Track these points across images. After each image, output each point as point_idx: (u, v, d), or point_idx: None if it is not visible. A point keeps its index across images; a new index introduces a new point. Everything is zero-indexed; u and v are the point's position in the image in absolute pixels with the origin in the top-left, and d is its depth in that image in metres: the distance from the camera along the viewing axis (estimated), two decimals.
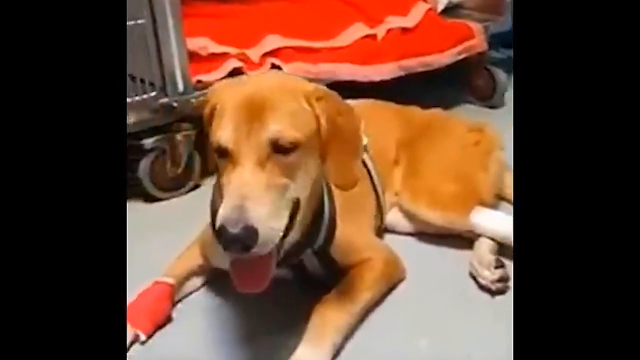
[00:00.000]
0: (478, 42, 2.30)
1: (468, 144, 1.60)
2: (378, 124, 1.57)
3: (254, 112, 1.03)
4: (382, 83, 2.05)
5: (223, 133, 1.03)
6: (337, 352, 1.15)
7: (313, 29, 2.13)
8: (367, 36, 2.17)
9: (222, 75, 1.88)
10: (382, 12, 2.28)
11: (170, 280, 1.30)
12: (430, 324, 1.24)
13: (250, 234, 0.95)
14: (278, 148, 1.02)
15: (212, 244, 1.29)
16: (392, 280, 1.34)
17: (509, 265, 1.33)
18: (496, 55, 2.51)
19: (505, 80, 2.38)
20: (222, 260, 1.30)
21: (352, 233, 1.30)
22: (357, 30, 2.17)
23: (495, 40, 2.52)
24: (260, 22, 2.11)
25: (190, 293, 1.38)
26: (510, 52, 2.80)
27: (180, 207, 1.79)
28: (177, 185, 1.87)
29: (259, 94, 1.05)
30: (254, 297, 1.31)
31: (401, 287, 1.36)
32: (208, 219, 1.35)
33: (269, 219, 0.98)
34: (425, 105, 1.79)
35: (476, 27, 2.31)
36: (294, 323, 1.22)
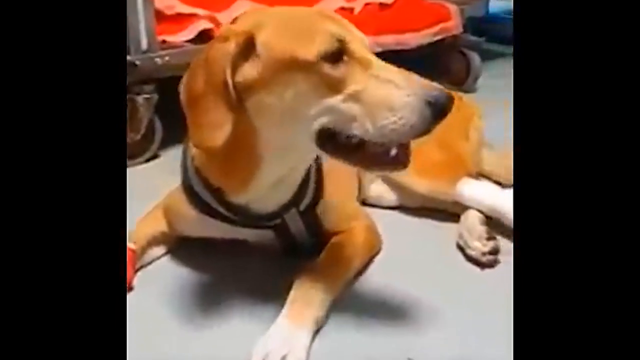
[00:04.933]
0: (454, 24, 2.26)
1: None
2: None
3: (334, 18, 0.96)
4: None
5: (335, 33, 0.91)
6: (319, 328, 1.04)
7: None
8: (343, 9, 2.08)
9: (190, 36, 1.76)
10: None
11: (132, 246, 1.17)
12: (417, 297, 1.15)
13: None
14: None
15: (180, 211, 1.19)
16: (373, 252, 1.26)
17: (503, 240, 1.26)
18: (470, 38, 2.46)
19: (479, 65, 2.34)
20: (191, 227, 1.21)
21: (337, 196, 1.22)
22: (333, 2, 2.09)
23: (469, 25, 2.48)
24: None
25: (152, 261, 1.25)
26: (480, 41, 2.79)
27: (137, 177, 1.64)
28: (133, 153, 1.72)
29: (311, 3, 1.04)
30: (229, 265, 1.23)
31: (387, 261, 1.26)
32: (167, 190, 1.26)
33: None
34: None
35: (453, 8, 2.27)
36: (272, 293, 1.11)
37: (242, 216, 1.12)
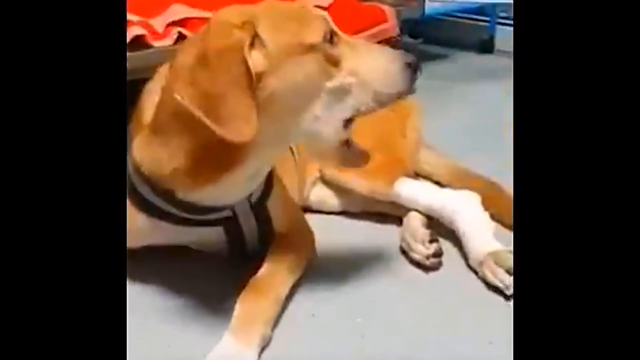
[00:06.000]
0: (391, 26, 2.26)
1: (385, 111, 1.52)
2: None
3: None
4: None
5: (325, 20, 1.02)
6: (266, 344, 1.02)
7: (222, 2, 1.98)
8: None
9: None
10: None
11: None
12: (363, 304, 1.15)
13: None
14: None
15: (133, 215, 1.11)
16: (311, 261, 1.23)
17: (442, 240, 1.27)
18: (407, 40, 2.49)
19: None
20: (136, 235, 1.13)
21: (284, 194, 1.23)
22: None
23: (405, 27, 2.51)
24: None
25: None
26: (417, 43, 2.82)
27: None
28: None
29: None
30: (173, 273, 1.20)
31: (331, 264, 1.25)
32: None
33: None
34: None
35: (389, 11, 2.27)
36: (219, 301, 1.10)
37: (195, 213, 1.09)
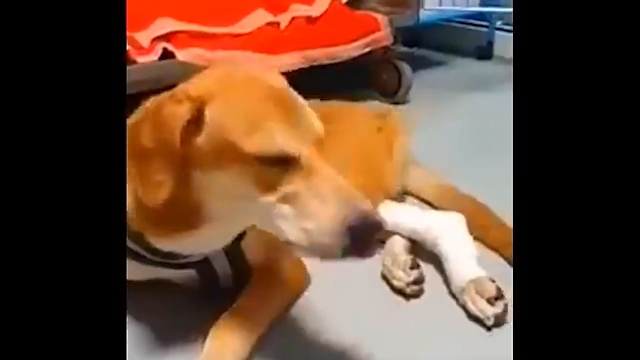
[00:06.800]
0: (384, 35, 2.23)
1: (371, 131, 1.51)
2: None
3: (287, 109, 0.91)
4: (284, 75, 1.91)
5: (278, 138, 0.87)
6: None
7: (210, 13, 1.97)
8: (270, 24, 2.04)
9: None
10: (287, 0, 2.15)
11: None
12: (343, 331, 1.12)
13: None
14: (320, 144, 0.94)
15: None
16: (300, 289, 1.21)
17: (424, 266, 1.24)
18: (402, 49, 2.45)
19: (411, 76, 2.33)
20: None
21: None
22: (259, 17, 2.04)
23: (400, 35, 2.47)
24: (150, 4, 1.91)
25: None
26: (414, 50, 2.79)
27: None
28: None
29: (270, 85, 0.94)
30: (143, 304, 1.16)
31: (311, 292, 1.22)
32: None
33: None
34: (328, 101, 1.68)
35: (382, 19, 2.24)
36: (190, 338, 1.07)
37: (166, 259, 1.06)
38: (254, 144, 0.87)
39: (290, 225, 0.89)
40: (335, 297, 1.21)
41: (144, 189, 0.93)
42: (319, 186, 0.87)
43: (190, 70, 1.74)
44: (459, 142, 1.96)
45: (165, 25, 1.84)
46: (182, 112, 0.88)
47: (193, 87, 0.93)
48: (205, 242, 1.03)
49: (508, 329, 1.09)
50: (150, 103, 0.96)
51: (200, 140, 0.90)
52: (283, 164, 0.88)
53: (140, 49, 1.74)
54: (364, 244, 0.87)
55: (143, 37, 1.77)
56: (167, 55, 1.77)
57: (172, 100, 0.91)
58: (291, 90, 0.96)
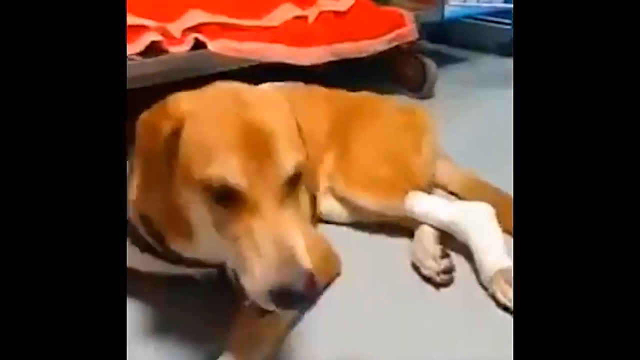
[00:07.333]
0: (409, 30, 2.25)
1: (400, 126, 1.53)
2: (307, 108, 1.45)
3: (256, 142, 0.85)
4: (311, 70, 1.94)
5: (226, 171, 0.84)
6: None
7: (239, 6, 1.99)
8: (297, 17, 2.06)
9: (139, 49, 1.70)
10: None
11: None
12: (371, 320, 1.14)
13: (313, 283, 0.81)
14: (290, 181, 0.88)
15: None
16: (329, 277, 1.23)
17: (453, 256, 1.26)
18: (427, 45, 2.46)
19: (436, 71, 2.34)
20: (141, 261, 1.13)
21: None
22: (287, 11, 2.06)
23: (425, 31, 2.48)
24: None
25: None
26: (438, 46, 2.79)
27: None
28: None
29: (248, 115, 0.88)
30: (175, 295, 1.19)
31: (339, 281, 1.24)
32: None
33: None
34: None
35: (407, 15, 2.26)
36: (214, 328, 1.07)
37: (186, 261, 1.08)
38: (203, 173, 0.85)
39: (233, 263, 0.88)
40: (366, 285, 1.24)
41: (138, 190, 0.96)
42: (257, 233, 0.83)
43: (220, 61, 1.81)
44: (479, 138, 1.97)
45: (196, 16, 1.86)
46: (164, 127, 0.89)
47: (183, 101, 0.92)
48: (208, 250, 0.99)
49: None
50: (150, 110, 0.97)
51: (178, 156, 0.89)
52: (231, 200, 0.84)
53: (172, 39, 1.77)
54: (288, 307, 0.84)
55: (174, 28, 1.80)
56: (199, 45, 1.80)
57: (160, 111, 0.92)
58: (276, 123, 0.90)
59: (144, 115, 0.95)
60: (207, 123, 0.88)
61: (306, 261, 0.82)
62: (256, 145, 0.86)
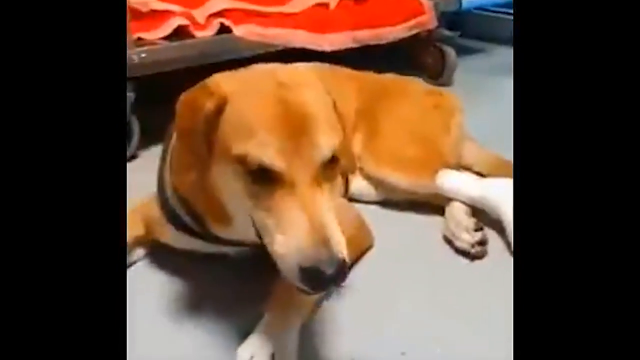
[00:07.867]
0: (429, 18, 2.26)
1: (428, 108, 1.54)
2: (334, 89, 1.44)
3: (295, 123, 0.86)
4: (332, 55, 1.94)
5: (264, 151, 0.84)
6: (306, 326, 1.02)
7: None
8: (319, 4, 2.07)
9: (165, 33, 1.73)
10: None
11: None
12: (408, 292, 1.14)
13: (344, 269, 0.80)
14: (328, 163, 0.88)
15: (158, 225, 1.16)
16: (361, 249, 1.24)
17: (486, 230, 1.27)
18: (445, 33, 2.47)
19: (455, 58, 2.35)
20: (170, 240, 1.17)
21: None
22: None
23: (444, 20, 2.49)
24: None
25: (131, 265, 1.22)
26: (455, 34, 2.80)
27: None
28: None
29: (288, 96, 0.88)
30: (208, 268, 1.19)
31: (373, 258, 1.25)
32: (147, 190, 1.17)
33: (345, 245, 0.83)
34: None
35: (427, 3, 2.27)
36: (252, 295, 1.08)
37: (222, 241, 1.09)
38: (240, 148, 0.86)
39: (267, 236, 0.87)
40: (400, 258, 1.25)
41: (175, 168, 0.97)
42: (293, 211, 0.83)
43: (245, 45, 1.82)
44: (494, 127, 1.97)
45: (219, 3, 1.87)
46: (207, 104, 0.90)
47: (224, 81, 0.94)
48: (246, 233, 0.97)
49: None
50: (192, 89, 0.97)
51: (218, 133, 0.90)
52: (268, 179, 0.85)
53: (197, 24, 1.78)
54: (316, 287, 0.83)
55: (199, 14, 1.81)
56: (224, 31, 1.81)
57: (203, 90, 0.93)
58: (315, 104, 0.90)
59: (185, 95, 0.96)
60: (248, 102, 0.89)
61: (342, 247, 0.81)
62: (295, 126, 0.86)
